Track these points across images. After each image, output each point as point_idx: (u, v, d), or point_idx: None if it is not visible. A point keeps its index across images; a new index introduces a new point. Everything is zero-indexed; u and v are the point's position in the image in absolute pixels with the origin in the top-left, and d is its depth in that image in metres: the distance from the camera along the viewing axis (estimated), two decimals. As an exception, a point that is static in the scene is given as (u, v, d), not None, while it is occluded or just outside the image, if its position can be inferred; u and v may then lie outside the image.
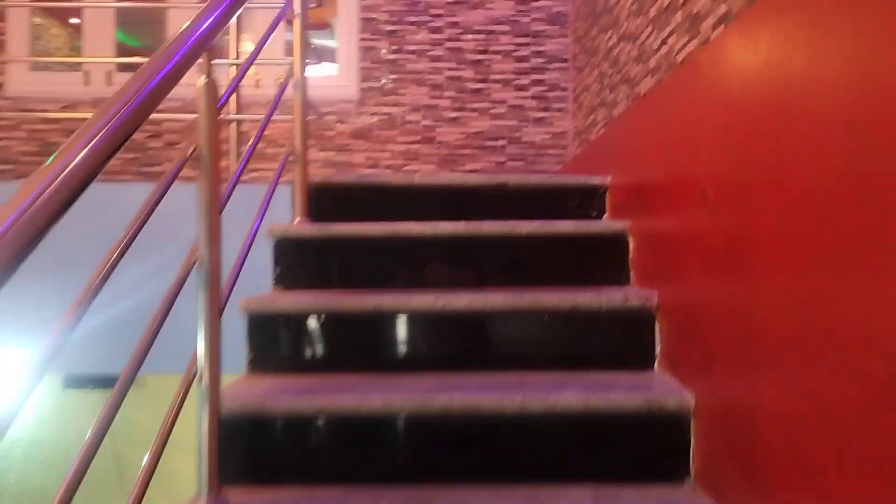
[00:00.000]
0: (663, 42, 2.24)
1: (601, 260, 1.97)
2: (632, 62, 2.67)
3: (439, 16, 4.23)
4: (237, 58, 2.74)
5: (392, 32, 4.24)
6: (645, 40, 2.48)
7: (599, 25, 3.34)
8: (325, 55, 4.52)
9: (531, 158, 4.20)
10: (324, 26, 4.57)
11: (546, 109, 4.22)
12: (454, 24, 4.23)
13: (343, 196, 2.22)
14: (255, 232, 1.91)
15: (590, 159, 2.90)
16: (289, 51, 4.02)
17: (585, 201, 2.21)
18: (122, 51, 4.43)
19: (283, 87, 2.12)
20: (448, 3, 4.24)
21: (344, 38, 4.28)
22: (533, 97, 4.22)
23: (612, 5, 3.05)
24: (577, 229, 1.95)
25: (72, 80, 4.24)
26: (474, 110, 4.22)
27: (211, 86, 1.35)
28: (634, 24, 2.64)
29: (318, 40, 4.67)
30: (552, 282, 1.93)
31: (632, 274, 1.96)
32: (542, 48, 4.23)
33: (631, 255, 1.96)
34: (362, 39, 4.25)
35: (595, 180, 2.21)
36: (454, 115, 4.22)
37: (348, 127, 4.22)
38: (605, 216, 2.21)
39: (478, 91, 4.22)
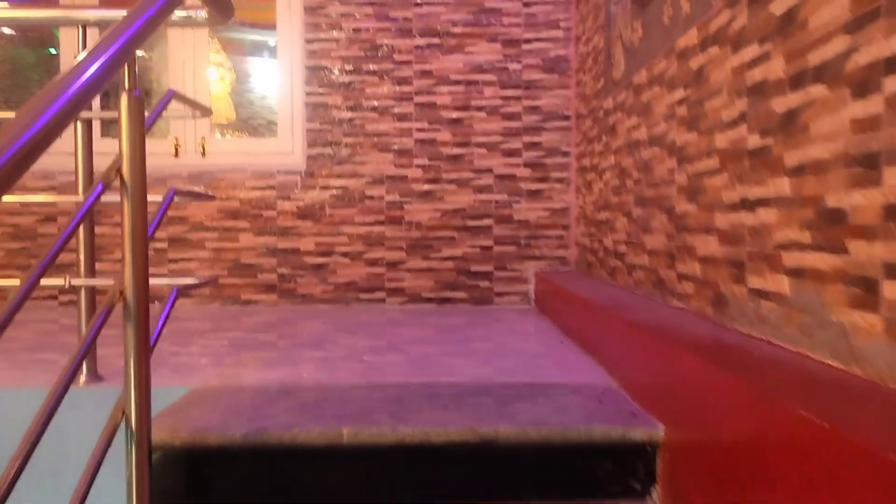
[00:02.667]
0: (746, 207, 1.38)
1: None
2: (678, 192, 1.81)
3: (406, 63, 3.33)
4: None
5: (347, 85, 3.34)
6: (705, 177, 1.61)
7: (618, 100, 2.47)
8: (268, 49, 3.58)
9: (525, 242, 3.34)
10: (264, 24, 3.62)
11: (543, 180, 3.35)
12: (426, 74, 3.33)
13: (225, 473, 1.36)
14: None
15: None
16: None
17: (623, 468, 1.37)
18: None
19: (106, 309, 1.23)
20: (417, 48, 3.34)
21: (286, 91, 3.37)
22: (526, 164, 3.35)
23: (640, 86, 2.18)
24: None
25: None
26: (452, 182, 3.34)
27: None
28: (682, 138, 1.78)
29: (260, 36, 3.82)
30: None
31: None
32: (536, 102, 3.34)
33: None
34: (309, 94, 3.34)
35: (638, 434, 1.36)
36: (427, 187, 3.34)
37: (293, 205, 3.33)
38: (653, 491, 1.37)
39: (456, 158, 3.34)
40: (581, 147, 3.15)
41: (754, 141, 1.36)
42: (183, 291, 1.43)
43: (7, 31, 3.93)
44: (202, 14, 1.76)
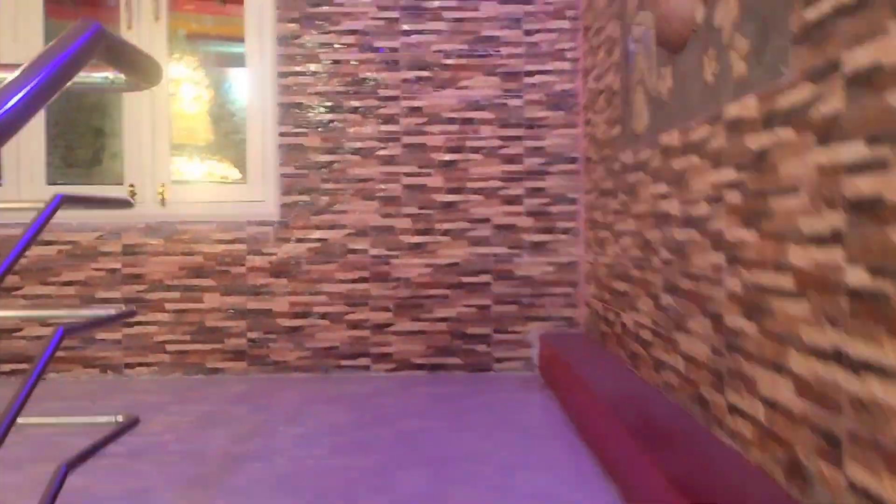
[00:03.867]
0: (844, 364, 1.00)
1: None
2: (729, 300, 1.43)
3: (393, 99, 2.94)
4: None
5: (326, 124, 2.95)
6: (773, 296, 1.23)
7: (640, 158, 2.09)
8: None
9: (528, 300, 2.96)
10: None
11: (547, 230, 2.97)
12: (415, 111, 2.94)
13: None
14: None
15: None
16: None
17: None
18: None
19: None
20: (405, 81, 2.95)
21: (256, 132, 2.98)
22: (529, 213, 2.96)
23: (670, 148, 1.79)
24: None
25: None
26: (445, 233, 2.95)
27: None
28: (735, 233, 1.40)
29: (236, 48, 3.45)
30: None
31: None
32: (540, 143, 2.96)
33: None
34: (283, 135, 2.96)
35: None
36: (417, 239, 2.95)
37: (265, 260, 2.94)
38: None
39: (450, 206, 2.95)
40: (591, 196, 2.77)
41: (859, 277, 0.97)
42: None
43: None
44: (122, 77, 1.38)
